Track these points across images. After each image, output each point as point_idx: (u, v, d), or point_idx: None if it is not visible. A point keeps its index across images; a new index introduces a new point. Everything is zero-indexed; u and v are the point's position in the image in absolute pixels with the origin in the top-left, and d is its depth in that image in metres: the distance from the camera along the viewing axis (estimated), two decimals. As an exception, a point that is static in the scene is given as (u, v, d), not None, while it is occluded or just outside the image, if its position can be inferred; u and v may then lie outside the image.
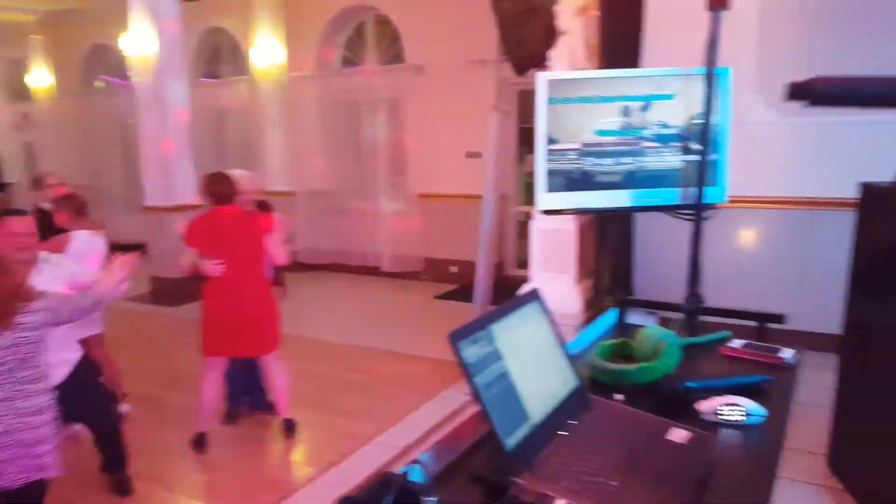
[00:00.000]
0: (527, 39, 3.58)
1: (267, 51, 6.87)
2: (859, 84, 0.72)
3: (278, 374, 3.22)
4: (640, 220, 3.97)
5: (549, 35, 3.51)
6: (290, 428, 3.30)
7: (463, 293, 5.75)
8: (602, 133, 1.62)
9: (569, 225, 3.84)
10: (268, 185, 7.12)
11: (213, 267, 2.93)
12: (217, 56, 7.90)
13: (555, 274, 3.96)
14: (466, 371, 0.94)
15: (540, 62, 3.61)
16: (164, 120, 5.90)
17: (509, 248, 6.42)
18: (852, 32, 3.51)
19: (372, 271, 6.85)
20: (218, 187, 3.01)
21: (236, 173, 3.23)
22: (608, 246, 3.74)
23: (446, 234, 6.37)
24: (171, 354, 4.64)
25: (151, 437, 3.30)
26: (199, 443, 3.14)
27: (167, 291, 5.68)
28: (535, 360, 1.10)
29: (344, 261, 7.02)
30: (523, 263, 6.21)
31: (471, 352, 0.96)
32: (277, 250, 3.07)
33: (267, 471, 3.09)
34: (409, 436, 3.20)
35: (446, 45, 5.97)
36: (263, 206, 3.48)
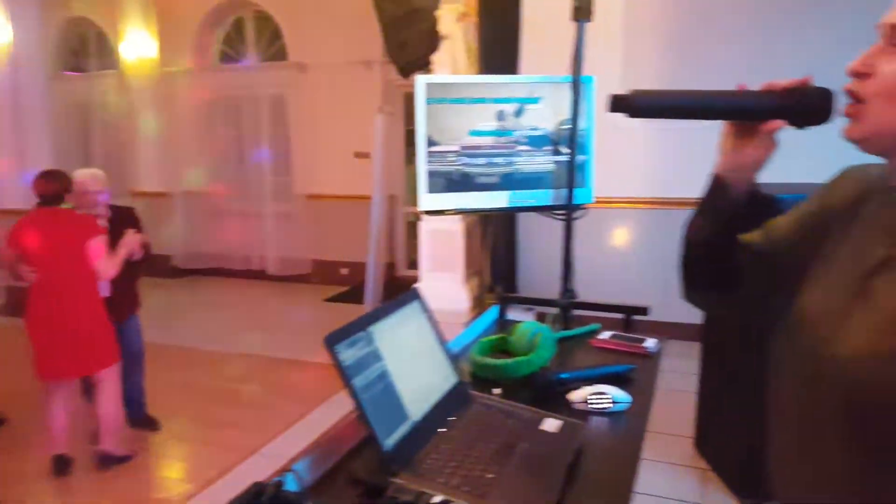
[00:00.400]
0: (410, 43, 3.61)
1: (137, 44, 6.44)
2: (675, 97, 0.79)
3: (107, 398, 2.90)
4: (522, 219, 4.13)
5: (432, 39, 3.57)
6: (104, 462, 2.93)
7: (354, 295, 5.70)
8: (479, 134, 1.67)
9: (456, 225, 3.93)
10: (138, 185, 6.71)
11: (26, 273, 2.67)
12: (84, 48, 7.30)
13: (443, 273, 4.03)
14: (344, 374, 0.94)
15: (424, 65, 3.66)
16: (18, 116, 5.39)
17: (400, 248, 6.44)
18: (707, 42, 3.84)
19: (257, 275, 6.62)
20: (44, 186, 2.72)
21: (82, 172, 2.94)
22: (493, 245, 3.85)
23: (336, 236, 6.28)
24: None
25: (6, 462, 3.01)
26: (60, 466, 2.86)
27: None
28: (415, 360, 1.11)
29: (226, 265, 6.74)
30: (414, 264, 6.25)
31: (348, 354, 0.96)
32: (103, 261, 2.77)
33: (141, 491, 2.90)
34: (296, 445, 3.13)
35: (331, 44, 5.89)
36: (121, 212, 3.14)
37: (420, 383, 1.09)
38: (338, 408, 3.50)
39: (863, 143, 0.73)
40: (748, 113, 0.80)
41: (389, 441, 0.95)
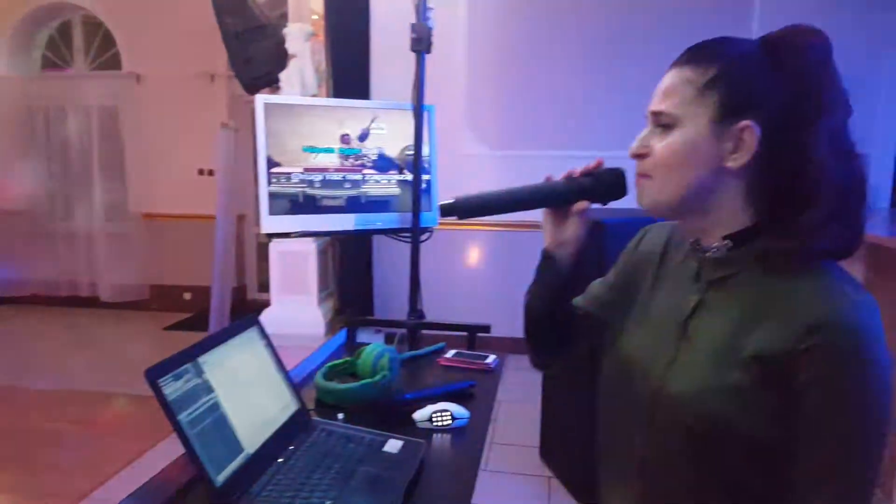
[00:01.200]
0: (256, 58, 3.52)
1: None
2: (490, 199, 0.91)
3: None
4: (377, 241, 4.14)
5: (279, 56, 3.50)
6: None
7: (198, 322, 5.36)
8: (322, 155, 1.66)
9: (308, 246, 3.85)
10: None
11: None
12: None
13: (296, 296, 3.93)
14: (168, 409, 0.89)
15: (271, 82, 3.57)
16: None
17: (250, 270, 6.16)
18: (543, 72, 4.13)
19: (87, 303, 6.01)
20: None
21: None
22: (342, 268, 3.82)
23: (177, 258, 5.87)
24: None
25: None
26: None
27: None
28: (250, 390, 1.07)
29: (50, 292, 6.03)
30: (266, 286, 6.01)
31: (174, 388, 0.91)
32: None
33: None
34: (130, 486, 2.85)
35: (171, 55, 5.55)
36: None
37: (256, 414, 1.05)
38: (178, 445, 3.25)
39: (653, 210, 0.85)
40: (557, 198, 0.93)
41: (220, 476, 0.91)
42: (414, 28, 1.62)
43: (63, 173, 6.03)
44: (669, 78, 0.82)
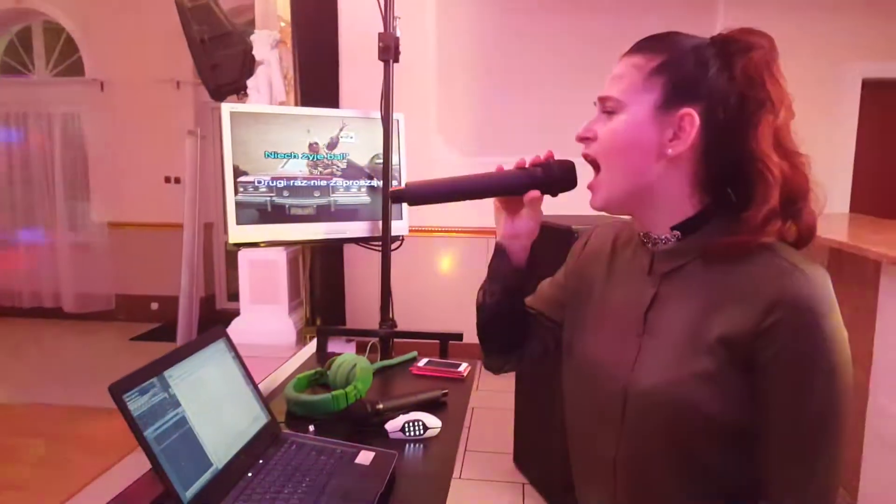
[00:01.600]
0: (222, 65, 3.47)
1: None
2: (440, 185, 0.91)
3: None
4: (348, 250, 4.12)
5: (246, 63, 3.47)
6: None
7: (165, 332, 5.26)
8: (290, 164, 1.65)
9: (279, 255, 3.81)
10: None
11: None
12: None
13: (266, 305, 3.88)
14: (134, 425, 0.87)
15: (239, 89, 3.53)
16: None
17: (219, 279, 6.08)
18: (513, 81, 4.17)
19: (51, 313, 5.85)
20: None
21: None
22: (318, 276, 3.79)
23: (144, 267, 5.75)
24: None
25: None
26: None
27: None
28: (219, 403, 1.06)
29: (11, 303, 5.87)
30: (235, 296, 5.93)
31: (140, 403, 0.89)
32: None
33: None
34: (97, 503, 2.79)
35: (135, 61, 5.45)
36: None
37: (224, 427, 1.04)
38: (146, 459, 3.18)
39: (606, 206, 0.86)
40: (507, 189, 0.92)
41: (189, 492, 0.89)
42: (381, 37, 1.62)
43: (25, 181, 5.87)
44: (619, 66, 0.84)
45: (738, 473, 0.78)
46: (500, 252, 0.96)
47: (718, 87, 0.79)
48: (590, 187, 0.87)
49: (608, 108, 0.83)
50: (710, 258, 0.80)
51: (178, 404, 0.95)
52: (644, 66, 0.81)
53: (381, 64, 1.68)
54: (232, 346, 1.17)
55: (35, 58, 5.88)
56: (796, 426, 0.74)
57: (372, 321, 1.86)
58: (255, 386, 1.17)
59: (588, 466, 0.94)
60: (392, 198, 0.89)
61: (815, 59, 3.96)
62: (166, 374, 0.96)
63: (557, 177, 0.90)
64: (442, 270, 4.34)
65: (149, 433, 0.88)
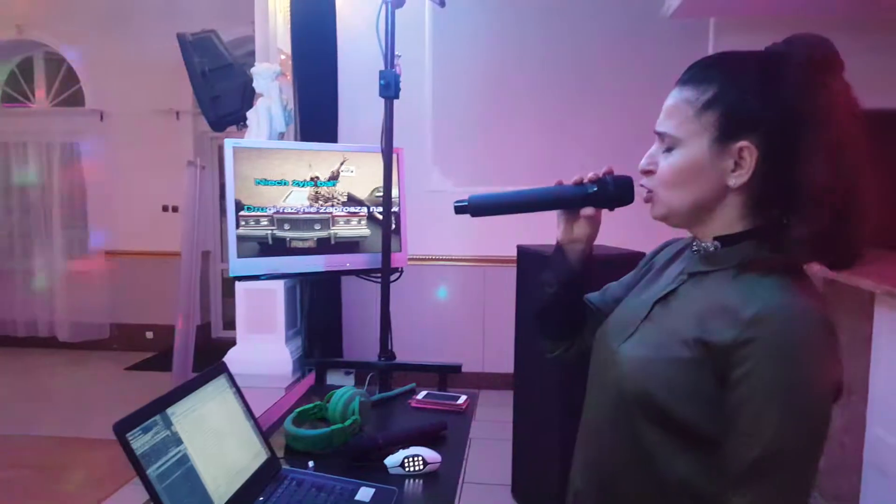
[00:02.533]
0: (223, 97, 3.52)
1: None
2: (501, 199, 0.96)
3: None
4: (345, 280, 4.12)
5: (246, 95, 3.51)
6: None
7: (161, 362, 5.22)
8: (292, 198, 1.67)
9: (276, 284, 3.80)
10: None
11: None
12: None
13: (262, 335, 3.86)
14: (137, 464, 0.87)
15: (239, 120, 3.57)
16: None
17: (215, 308, 6.06)
18: (509, 116, 4.23)
19: (46, 343, 5.82)
20: None
21: None
22: (316, 306, 3.78)
23: (140, 296, 5.74)
24: None
25: None
26: None
27: None
28: (220, 439, 1.06)
29: (6, 331, 5.84)
30: (231, 324, 5.91)
31: (142, 441, 0.90)
32: None
33: None
34: (89, 537, 2.74)
35: (135, 92, 5.51)
36: None
37: (225, 465, 1.04)
38: (141, 491, 3.14)
39: (664, 220, 0.88)
40: (564, 203, 0.98)
41: (190, 533, 0.89)
42: (382, 75, 1.66)
43: (23, 210, 5.89)
44: (671, 98, 0.85)
45: (687, 479, 0.79)
46: (558, 251, 1.04)
47: (770, 113, 0.78)
48: (647, 200, 0.89)
49: (666, 143, 0.85)
50: (736, 272, 0.81)
51: (179, 442, 0.96)
52: (695, 101, 0.81)
53: (377, 98, 1.71)
54: (233, 381, 1.17)
55: (36, 88, 5.94)
56: (751, 450, 0.73)
57: (369, 350, 1.86)
58: (255, 421, 1.17)
59: (580, 430, 0.99)
60: (456, 209, 0.94)
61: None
62: (168, 411, 0.97)
63: (613, 193, 0.95)
64: (440, 300, 4.35)
65: (151, 471, 0.88)
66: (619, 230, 1.89)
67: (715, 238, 0.84)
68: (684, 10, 3.63)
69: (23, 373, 5.33)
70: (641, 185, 0.90)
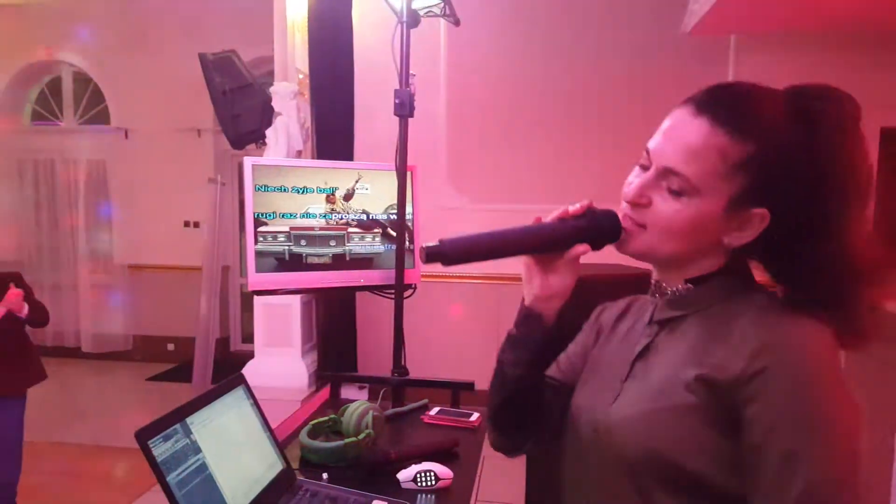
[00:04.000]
0: (243, 115, 3.61)
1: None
2: (479, 243, 0.80)
3: None
4: (360, 295, 4.16)
5: (266, 113, 3.60)
6: None
7: (181, 373, 5.30)
8: (309, 217, 1.71)
9: (293, 299, 3.86)
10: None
11: None
12: None
13: (279, 348, 3.91)
14: (158, 471, 0.90)
15: (258, 138, 3.65)
16: None
17: (234, 322, 6.14)
18: (523, 133, 4.27)
19: (71, 353, 5.94)
20: None
21: None
22: (330, 321, 3.83)
23: (161, 309, 5.85)
24: None
25: None
26: None
27: None
28: (238, 449, 1.09)
29: (35, 341, 5.91)
30: (249, 338, 5.98)
31: (163, 449, 0.93)
32: None
33: None
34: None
35: (158, 110, 5.66)
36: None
37: (242, 474, 1.07)
38: (161, 499, 3.18)
39: (638, 257, 0.80)
40: (549, 244, 0.83)
41: (207, 539, 0.92)
42: (397, 94, 1.70)
43: (51, 224, 6.04)
44: (700, 134, 0.72)
45: None
46: (531, 317, 0.85)
47: (801, 188, 0.71)
48: (628, 232, 0.79)
49: (675, 184, 0.73)
50: (711, 309, 0.76)
51: (199, 450, 0.99)
52: (730, 155, 0.71)
53: (392, 116, 1.75)
54: (250, 392, 1.20)
55: (64, 107, 6.12)
56: (786, 494, 0.64)
57: (383, 366, 1.89)
58: (271, 432, 1.21)
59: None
60: (425, 257, 0.77)
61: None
62: (188, 420, 1.00)
63: (605, 228, 0.81)
64: (453, 316, 4.37)
65: (171, 478, 0.92)
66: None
67: (686, 280, 0.79)
68: (703, 27, 3.63)
69: (49, 382, 5.42)
70: (625, 217, 0.79)
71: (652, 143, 0.77)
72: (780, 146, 0.71)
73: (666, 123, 0.77)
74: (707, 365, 0.71)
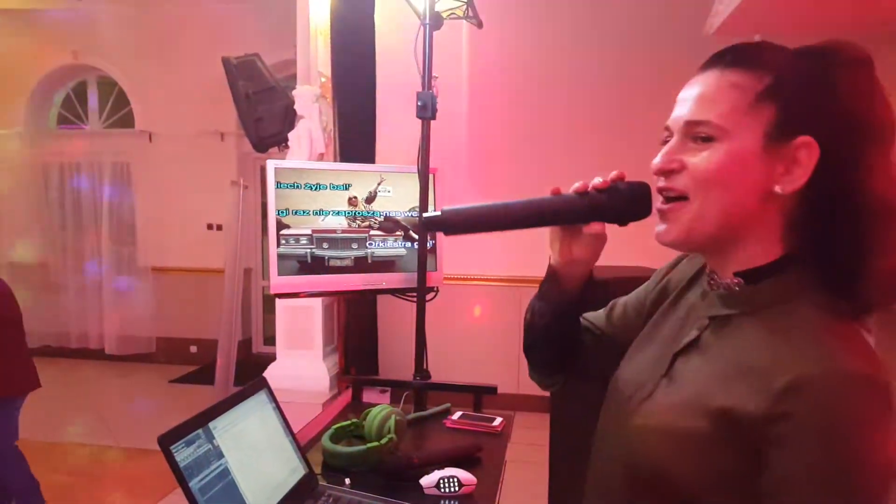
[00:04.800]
0: (266, 118, 3.63)
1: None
2: (483, 212, 0.78)
3: None
4: (381, 297, 4.16)
5: (288, 116, 3.61)
6: None
7: (204, 375, 5.34)
8: (331, 218, 1.70)
9: (314, 301, 3.87)
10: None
11: None
12: None
13: (301, 350, 3.92)
14: (180, 476, 0.90)
15: (281, 141, 3.67)
16: None
17: (256, 324, 6.18)
18: (545, 133, 4.24)
19: (94, 354, 6.02)
20: None
21: None
22: (352, 324, 3.83)
23: (184, 311, 5.91)
24: None
25: None
26: None
27: None
28: (260, 454, 1.08)
29: (59, 343, 6.08)
30: (270, 340, 6.02)
31: (186, 454, 0.92)
32: None
33: None
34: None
35: (182, 114, 5.72)
36: None
37: (265, 479, 1.06)
38: (185, 500, 3.20)
39: (680, 246, 0.75)
40: (564, 217, 0.79)
41: (229, 546, 0.91)
42: (419, 96, 1.69)
43: (76, 227, 6.14)
44: (710, 82, 0.71)
45: None
46: (552, 276, 0.86)
47: (831, 111, 0.67)
48: (664, 217, 0.73)
49: (702, 133, 0.69)
50: (765, 313, 0.70)
51: (221, 455, 0.98)
52: (749, 87, 0.68)
53: (414, 119, 1.74)
54: (272, 396, 1.20)
55: (89, 110, 6.22)
56: None
57: (404, 369, 1.88)
58: (293, 437, 1.20)
59: (589, 480, 0.89)
60: (426, 225, 0.78)
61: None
62: (211, 425, 0.99)
63: (627, 203, 0.76)
64: (476, 320, 4.35)
65: (194, 484, 0.91)
66: (623, 245, 1.51)
67: (735, 274, 0.73)
68: (728, 28, 3.59)
69: (74, 383, 5.51)
70: (661, 191, 0.73)
71: (669, 119, 0.75)
72: (796, 75, 0.68)
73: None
74: (734, 394, 0.66)
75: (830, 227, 0.68)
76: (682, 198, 0.71)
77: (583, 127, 4.19)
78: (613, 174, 0.78)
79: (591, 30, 4.16)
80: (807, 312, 0.68)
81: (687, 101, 0.72)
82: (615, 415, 0.82)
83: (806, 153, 0.67)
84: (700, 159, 0.69)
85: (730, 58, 0.71)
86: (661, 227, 0.74)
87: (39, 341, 6.06)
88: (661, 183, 0.73)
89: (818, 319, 0.67)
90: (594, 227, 0.79)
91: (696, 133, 0.70)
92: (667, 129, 0.75)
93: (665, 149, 0.73)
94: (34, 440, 4.05)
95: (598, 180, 0.78)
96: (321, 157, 3.66)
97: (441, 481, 1.24)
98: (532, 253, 4.16)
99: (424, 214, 0.73)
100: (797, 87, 0.68)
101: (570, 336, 0.92)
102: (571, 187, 0.79)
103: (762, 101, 0.68)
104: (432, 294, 1.83)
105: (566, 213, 0.78)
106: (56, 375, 5.69)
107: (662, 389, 0.76)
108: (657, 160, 0.73)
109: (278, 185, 1.62)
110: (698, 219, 0.70)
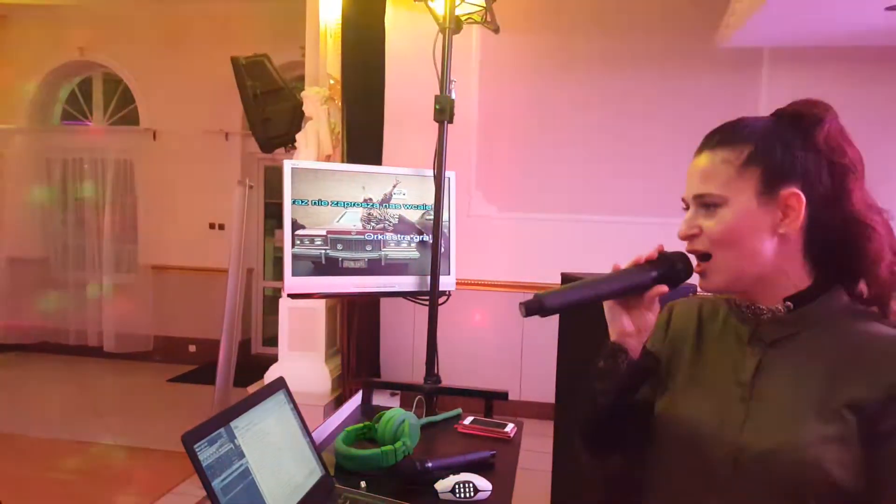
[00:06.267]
0: (273, 119, 3.62)
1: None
2: (575, 294, 0.90)
3: None
4: (384, 300, 4.15)
5: (296, 117, 3.61)
6: None
7: (203, 374, 5.32)
8: (345, 219, 1.70)
9: (318, 303, 3.86)
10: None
11: None
12: None
13: (303, 352, 3.91)
14: (204, 475, 0.89)
15: (287, 142, 3.66)
16: None
17: (256, 324, 6.16)
18: (549, 138, 4.24)
19: (92, 352, 5.99)
20: None
21: None
22: (355, 326, 3.82)
23: (184, 310, 5.88)
24: None
25: None
26: None
27: None
28: (279, 454, 1.08)
29: (58, 340, 6.04)
30: (269, 341, 6.01)
31: (209, 453, 0.91)
32: None
33: None
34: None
35: (187, 112, 5.71)
36: None
37: (284, 480, 1.05)
38: (182, 500, 3.19)
39: (723, 290, 0.90)
40: (637, 287, 0.93)
41: (251, 547, 0.90)
42: (437, 100, 1.69)
43: (77, 223, 6.12)
44: (705, 162, 0.88)
45: None
46: (618, 351, 0.94)
47: (809, 162, 0.83)
48: (700, 272, 0.90)
49: (708, 202, 0.86)
50: (826, 327, 0.84)
51: (242, 455, 0.98)
52: (734, 160, 0.85)
53: (423, 123, 1.74)
54: (290, 397, 1.19)
55: (94, 107, 6.20)
56: None
57: (403, 372, 1.87)
58: (310, 438, 1.19)
59: None
60: (525, 311, 0.89)
61: (863, 115, 3.83)
62: (232, 424, 0.99)
63: (679, 268, 0.93)
64: (482, 325, 4.34)
65: (216, 483, 0.90)
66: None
67: (786, 299, 0.86)
68: (739, 40, 3.60)
69: (72, 381, 5.48)
70: (689, 252, 0.91)
71: (684, 193, 0.91)
72: (774, 137, 0.84)
73: None
74: (853, 390, 0.78)
75: (836, 248, 0.84)
76: (706, 256, 0.88)
77: (591, 136, 4.19)
78: (656, 248, 0.94)
79: (601, 38, 4.16)
80: (864, 326, 0.82)
81: (693, 178, 0.89)
82: (710, 455, 0.85)
83: (795, 199, 0.82)
84: (712, 223, 0.86)
85: (717, 139, 0.87)
86: (701, 280, 0.90)
87: (38, 337, 6.04)
88: (688, 246, 0.91)
89: (873, 324, 0.82)
90: (661, 289, 0.92)
91: (705, 202, 0.87)
92: (683, 200, 0.92)
93: (685, 218, 0.90)
94: (30, 437, 4.03)
95: (646, 254, 0.93)
96: (328, 159, 3.66)
97: (457, 486, 1.24)
98: (534, 262, 4.17)
99: (521, 303, 0.88)
100: (772, 151, 0.83)
101: (628, 411, 0.97)
102: (628, 262, 0.94)
103: (747, 168, 0.84)
104: (445, 298, 1.82)
105: (638, 284, 0.93)
106: (53, 372, 5.67)
107: (756, 412, 0.84)
108: (681, 228, 0.90)
109: (295, 191, 1.62)
110: (725, 268, 0.87)
